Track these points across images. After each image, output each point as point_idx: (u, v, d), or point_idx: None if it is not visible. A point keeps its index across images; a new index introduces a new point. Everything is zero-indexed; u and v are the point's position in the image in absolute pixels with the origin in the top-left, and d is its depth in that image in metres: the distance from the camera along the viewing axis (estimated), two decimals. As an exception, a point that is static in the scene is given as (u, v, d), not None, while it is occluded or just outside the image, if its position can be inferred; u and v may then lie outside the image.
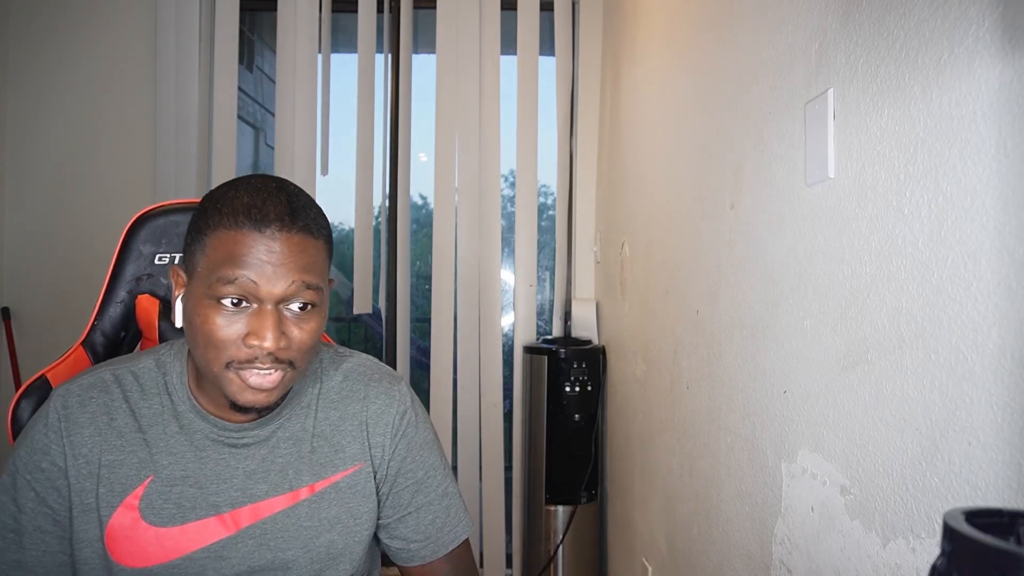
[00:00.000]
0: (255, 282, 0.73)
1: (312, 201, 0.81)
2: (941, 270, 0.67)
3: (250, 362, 0.75)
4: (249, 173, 0.84)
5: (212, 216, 0.76)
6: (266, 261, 0.73)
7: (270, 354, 0.75)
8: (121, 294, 1.03)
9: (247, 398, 0.77)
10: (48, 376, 0.95)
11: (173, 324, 0.83)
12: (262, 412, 0.81)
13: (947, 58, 0.66)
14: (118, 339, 1.03)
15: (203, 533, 0.81)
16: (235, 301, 0.74)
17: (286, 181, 0.81)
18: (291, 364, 0.77)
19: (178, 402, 0.84)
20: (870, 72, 0.79)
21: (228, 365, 0.75)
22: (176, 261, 1.04)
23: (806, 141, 0.93)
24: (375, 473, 0.90)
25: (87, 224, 2.42)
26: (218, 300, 0.74)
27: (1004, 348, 0.59)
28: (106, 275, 1.03)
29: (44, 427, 0.80)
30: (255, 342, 0.74)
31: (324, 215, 0.81)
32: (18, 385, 2.36)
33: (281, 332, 0.75)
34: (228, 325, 0.74)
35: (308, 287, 0.76)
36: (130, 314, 1.04)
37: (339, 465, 0.88)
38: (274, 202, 0.75)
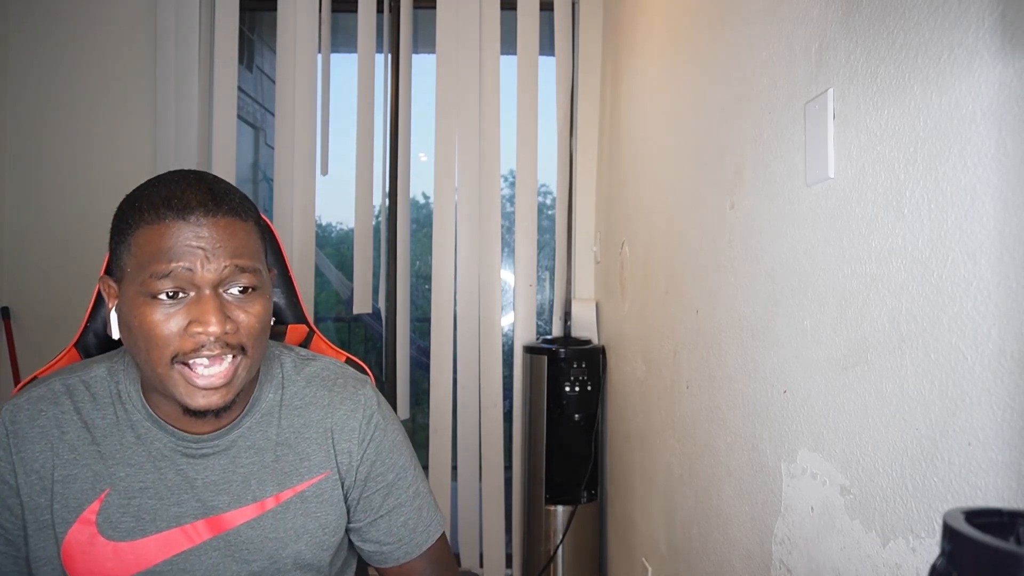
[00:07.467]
0: (189, 269, 0.70)
1: (235, 188, 0.78)
2: (941, 270, 0.67)
3: (196, 351, 0.71)
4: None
5: (132, 215, 0.73)
6: (196, 247, 0.70)
7: (218, 340, 0.71)
8: None
9: (199, 402, 0.73)
10: (40, 379, 0.94)
11: (111, 337, 0.79)
12: (220, 413, 0.77)
13: (947, 58, 0.66)
14: (111, 340, 1.02)
15: (165, 546, 0.79)
16: (171, 293, 0.70)
17: (204, 172, 0.78)
18: (242, 349, 0.74)
19: (132, 411, 0.80)
20: (870, 72, 0.79)
21: (173, 360, 0.71)
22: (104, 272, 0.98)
23: (806, 141, 0.93)
24: (342, 481, 0.87)
25: (87, 224, 2.42)
26: (153, 296, 0.70)
27: (1004, 348, 0.59)
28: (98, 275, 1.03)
29: None
30: (199, 329, 0.70)
31: (249, 200, 0.79)
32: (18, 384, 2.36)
33: (225, 316, 0.72)
34: (168, 320, 0.71)
35: (243, 270, 0.73)
36: None
37: (304, 474, 0.85)
38: (194, 190, 0.73)
